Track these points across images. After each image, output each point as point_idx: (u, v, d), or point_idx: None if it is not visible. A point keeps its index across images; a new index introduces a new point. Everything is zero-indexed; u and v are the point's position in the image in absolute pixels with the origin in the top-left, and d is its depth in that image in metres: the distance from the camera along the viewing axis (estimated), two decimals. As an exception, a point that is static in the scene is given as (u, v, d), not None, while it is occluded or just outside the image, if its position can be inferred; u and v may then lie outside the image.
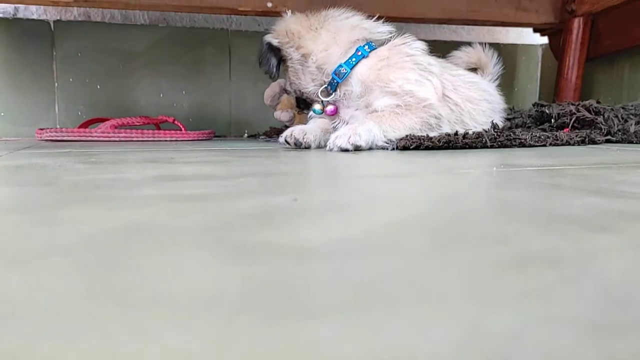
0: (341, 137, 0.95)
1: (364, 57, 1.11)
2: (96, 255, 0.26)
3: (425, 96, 1.07)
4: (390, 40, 1.16)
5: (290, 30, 1.16)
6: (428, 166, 0.69)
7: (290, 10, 1.22)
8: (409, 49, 1.13)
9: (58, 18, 1.78)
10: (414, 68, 1.10)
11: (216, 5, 1.61)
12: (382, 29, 1.16)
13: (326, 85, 1.14)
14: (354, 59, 1.11)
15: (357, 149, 0.95)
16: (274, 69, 1.18)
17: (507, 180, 0.55)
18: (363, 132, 0.96)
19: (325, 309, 0.19)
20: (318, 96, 1.16)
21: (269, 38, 1.18)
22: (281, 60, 1.20)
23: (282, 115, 1.46)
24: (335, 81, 1.12)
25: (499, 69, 1.41)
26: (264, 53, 1.19)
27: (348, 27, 1.15)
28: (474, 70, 1.41)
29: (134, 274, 0.23)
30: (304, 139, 1.04)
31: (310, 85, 1.17)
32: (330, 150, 0.96)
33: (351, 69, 1.11)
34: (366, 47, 1.13)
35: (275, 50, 1.18)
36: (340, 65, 1.11)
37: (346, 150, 0.94)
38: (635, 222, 0.34)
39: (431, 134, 1.04)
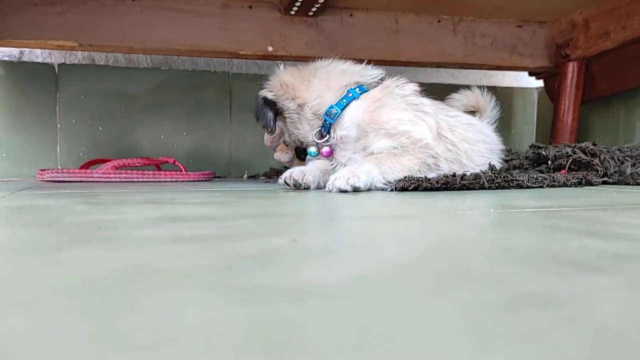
0: (340, 179, 0.97)
1: (354, 98, 1.14)
2: (98, 297, 0.26)
3: (421, 136, 1.08)
4: (381, 83, 1.19)
5: (284, 82, 1.19)
6: (426, 207, 0.69)
7: (282, 64, 1.26)
8: (400, 90, 1.15)
9: (62, 61, 1.81)
10: (407, 108, 1.11)
11: (218, 49, 1.64)
12: (372, 72, 1.19)
13: (320, 128, 1.16)
14: (344, 100, 1.14)
15: (356, 190, 0.96)
16: (271, 122, 1.21)
17: (504, 221, 0.56)
18: (362, 174, 0.97)
19: (324, 350, 0.20)
20: (313, 138, 1.18)
21: (263, 93, 1.21)
22: (277, 113, 1.22)
23: (282, 156, 1.47)
24: (327, 122, 1.14)
25: (496, 112, 1.43)
26: (260, 108, 1.21)
27: (338, 73, 1.18)
28: (472, 113, 1.43)
29: (136, 316, 0.23)
30: (303, 180, 1.05)
31: (308, 133, 1.19)
32: (330, 191, 0.97)
33: (342, 110, 1.13)
34: (357, 89, 1.15)
35: (271, 104, 1.20)
36: (331, 107, 1.14)
37: (345, 192, 0.95)
38: (631, 263, 0.34)
39: (430, 175, 1.05)
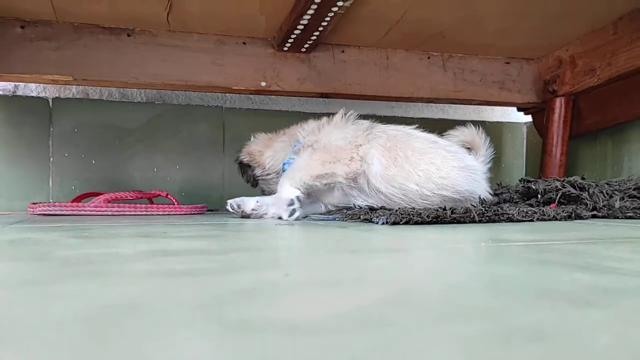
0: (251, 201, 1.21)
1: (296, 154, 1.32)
2: (89, 332, 0.26)
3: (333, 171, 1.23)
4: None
5: (250, 152, 1.46)
6: (417, 241, 0.70)
7: (253, 136, 1.50)
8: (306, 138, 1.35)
9: (57, 95, 1.82)
10: (338, 131, 1.29)
11: (211, 84, 1.66)
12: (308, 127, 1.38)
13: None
14: (290, 157, 1.34)
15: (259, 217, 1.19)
16: (252, 179, 1.47)
17: (495, 255, 0.56)
18: (270, 204, 1.20)
19: (316, 385, 0.20)
20: None
21: (240, 157, 1.48)
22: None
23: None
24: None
25: (491, 151, 1.42)
26: (240, 168, 1.50)
27: (291, 133, 1.40)
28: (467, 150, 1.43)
29: (126, 351, 0.23)
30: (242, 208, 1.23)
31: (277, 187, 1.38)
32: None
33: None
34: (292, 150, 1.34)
35: (247, 165, 1.47)
36: (284, 164, 1.35)
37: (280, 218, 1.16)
38: (622, 297, 0.34)
39: (347, 173, 1.21)
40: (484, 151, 1.40)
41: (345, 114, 1.34)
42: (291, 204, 1.17)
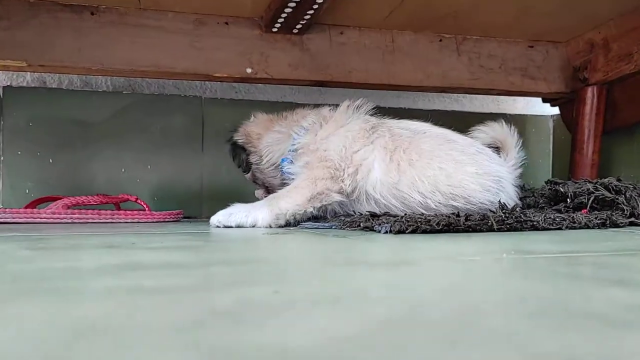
0: (216, 216, 1.22)
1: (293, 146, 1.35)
2: (44, 359, 0.26)
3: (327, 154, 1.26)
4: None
5: (248, 132, 1.45)
6: (428, 252, 0.69)
7: (253, 115, 1.49)
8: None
9: (8, 84, 1.81)
10: (335, 132, 1.30)
11: (189, 70, 1.65)
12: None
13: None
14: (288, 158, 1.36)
15: (227, 227, 1.19)
16: (244, 163, 1.46)
17: (518, 268, 0.56)
18: (239, 215, 1.20)
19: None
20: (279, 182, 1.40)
21: (235, 137, 1.47)
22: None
23: (261, 194, 1.49)
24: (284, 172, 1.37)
25: (522, 155, 1.41)
26: (231, 150, 1.49)
27: (291, 121, 1.41)
28: (496, 150, 1.42)
29: (87, 381, 0.23)
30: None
31: (271, 180, 1.43)
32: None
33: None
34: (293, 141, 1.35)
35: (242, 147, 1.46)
36: (283, 160, 1.36)
37: (218, 227, 1.19)
38: (664, 317, 0.34)
39: (339, 189, 1.22)
40: (514, 153, 1.39)
41: (353, 106, 1.35)
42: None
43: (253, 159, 1.43)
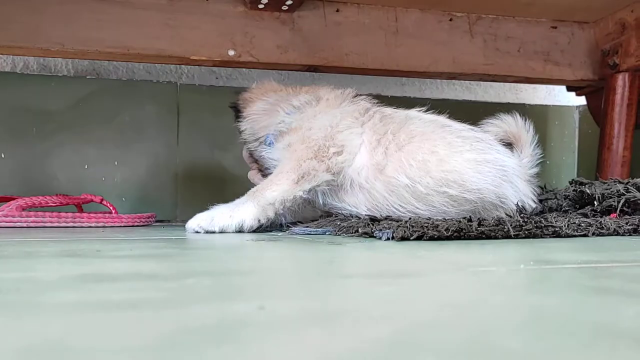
0: (194, 219, 1.22)
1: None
2: (-6, 385, 0.26)
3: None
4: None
5: (246, 97, 1.48)
6: (435, 262, 0.70)
7: (259, 81, 1.53)
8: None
9: (-45, 67, 1.81)
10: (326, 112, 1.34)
11: (162, 53, 1.65)
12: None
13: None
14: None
15: (212, 233, 1.18)
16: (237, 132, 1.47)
17: (538, 281, 0.56)
18: (221, 217, 1.20)
19: None
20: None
21: (237, 99, 1.50)
22: None
23: (255, 177, 1.49)
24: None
25: (538, 153, 1.42)
26: (235, 117, 1.50)
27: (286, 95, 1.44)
28: (508, 145, 1.43)
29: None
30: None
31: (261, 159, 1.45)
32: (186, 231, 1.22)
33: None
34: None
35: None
36: (268, 136, 1.40)
37: (198, 232, 1.19)
38: (703, 338, 0.35)
39: (327, 169, 1.24)
40: (529, 151, 1.40)
41: (352, 93, 1.38)
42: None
43: (242, 127, 1.46)
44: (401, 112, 1.35)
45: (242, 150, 1.53)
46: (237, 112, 1.49)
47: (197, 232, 1.20)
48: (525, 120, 1.43)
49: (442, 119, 1.33)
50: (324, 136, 1.27)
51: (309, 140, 1.27)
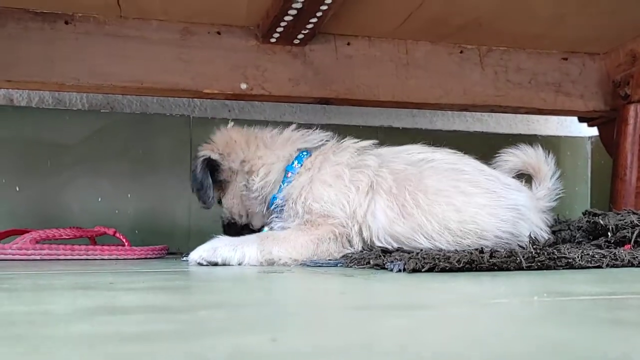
0: (196, 251, 1.20)
1: (289, 183, 1.34)
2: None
3: (330, 212, 1.26)
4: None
5: (233, 139, 1.42)
6: (447, 294, 0.69)
7: (221, 128, 1.48)
8: (335, 157, 1.33)
9: (-29, 101, 1.83)
10: (340, 175, 1.30)
11: (175, 86, 1.66)
12: (315, 137, 1.40)
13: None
14: (289, 173, 1.36)
15: (215, 264, 1.18)
16: (211, 193, 1.39)
17: (552, 313, 0.56)
18: (225, 249, 1.19)
19: None
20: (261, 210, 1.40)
21: (206, 152, 1.40)
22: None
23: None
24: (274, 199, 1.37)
25: (558, 185, 1.40)
26: (199, 173, 1.39)
27: (283, 140, 1.41)
28: (521, 176, 1.42)
29: None
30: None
31: (256, 205, 1.40)
32: (188, 263, 1.22)
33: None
34: (295, 162, 1.36)
35: (212, 170, 1.40)
36: (280, 190, 1.35)
37: (201, 265, 1.18)
38: None
39: (336, 254, 1.23)
40: (549, 184, 1.39)
41: (356, 149, 1.35)
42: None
43: (240, 181, 1.39)
44: (410, 157, 1.32)
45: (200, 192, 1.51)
46: (214, 166, 1.42)
47: (199, 264, 1.19)
48: (548, 152, 1.42)
49: (454, 161, 1.32)
50: (346, 215, 1.26)
51: (328, 217, 1.26)
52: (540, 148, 1.42)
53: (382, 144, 1.39)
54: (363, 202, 1.26)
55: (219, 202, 1.44)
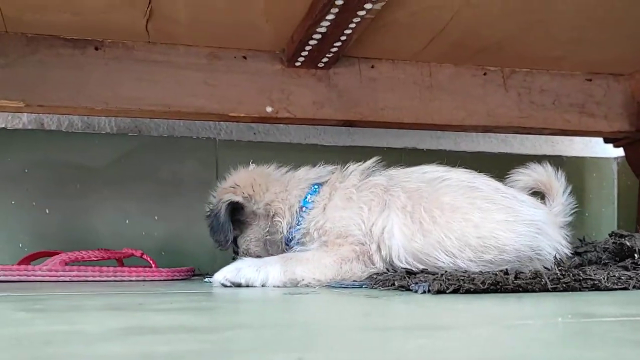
0: (220, 272, 1.22)
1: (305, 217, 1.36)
2: None
3: (347, 230, 1.28)
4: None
5: (257, 181, 1.43)
6: (472, 315, 0.70)
7: (232, 169, 1.51)
8: (341, 184, 1.37)
9: (3, 126, 1.86)
10: (350, 198, 1.32)
11: (201, 110, 1.68)
12: (321, 171, 1.43)
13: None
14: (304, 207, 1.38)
15: (238, 285, 1.18)
16: (230, 237, 1.40)
17: (578, 335, 0.56)
18: (248, 270, 1.20)
19: None
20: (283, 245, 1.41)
21: (230, 196, 1.40)
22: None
23: None
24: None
25: (571, 202, 1.40)
26: (220, 219, 1.38)
27: (296, 180, 1.43)
28: (535, 194, 1.42)
29: None
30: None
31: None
32: (212, 284, 1.25)
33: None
34: (305, 206, 1.38)
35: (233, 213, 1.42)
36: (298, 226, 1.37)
37: (225, 286, 1.19)
38: None
39: (361, 273, 1.24)
40: (561, 199, 1.39)
41: (359, 170, 1.37)
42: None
43: (262, 225, 1.41)
44: (423, 176, 1.33)
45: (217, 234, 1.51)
46: (237, 209, 1.43)
47: (223, 285, 1.20)
48: (558, 170, 1.42)
49: (469, 179, 1.32)
50: (362, 233, 1.27)
51: (347, 236, 1.28)
52: (549, 165, 1.42)
53: (407, 165, 1.39)
54: (377, 220, 1.27)
55: (234, 241, 1.44)
